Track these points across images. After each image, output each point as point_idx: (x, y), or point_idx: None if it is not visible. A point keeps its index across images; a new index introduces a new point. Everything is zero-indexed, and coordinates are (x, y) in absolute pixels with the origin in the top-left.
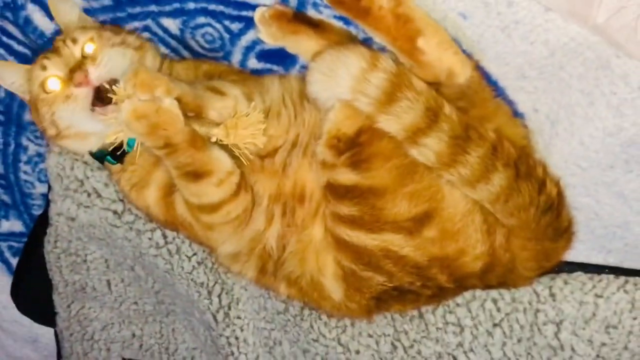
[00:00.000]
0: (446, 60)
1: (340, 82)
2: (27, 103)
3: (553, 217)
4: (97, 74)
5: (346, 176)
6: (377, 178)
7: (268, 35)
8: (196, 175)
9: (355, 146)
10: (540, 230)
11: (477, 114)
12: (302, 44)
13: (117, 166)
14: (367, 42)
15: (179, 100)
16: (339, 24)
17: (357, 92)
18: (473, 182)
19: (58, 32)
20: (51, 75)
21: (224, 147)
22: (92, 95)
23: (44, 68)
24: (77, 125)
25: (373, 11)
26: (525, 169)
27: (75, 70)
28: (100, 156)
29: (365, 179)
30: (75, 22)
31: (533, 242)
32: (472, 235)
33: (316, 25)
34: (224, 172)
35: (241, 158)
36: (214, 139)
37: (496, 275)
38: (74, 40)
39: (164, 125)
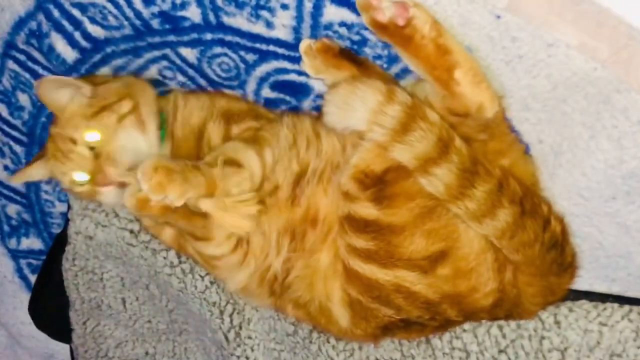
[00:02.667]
0: (479, 95)
1: (357, 114)
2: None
3: (557, 254)
4: (117, 173)
5: (368, 210)
6: (398, 216)
7: (311, 67)
8: (197, 238)
9: (381, 183)
10: (545, 267)
11: (495, 148)
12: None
13: None
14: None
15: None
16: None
17: (372, 123)
18: (479, 217)
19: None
20: (74, 177)
21: None
22: (119, 186)
23: (64, 174)
24: (113, 202)
25: (415, 39)
26: (530, 206)
27: (95, 174)
28: None
29: (386, 216)
30: (67, 109)
31: (538, 278)
32: (484, 274)
33: (360, 64)
34: (223, 238)
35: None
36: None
37: (504, 310)
38: (74, 141)
39: (157, 214)
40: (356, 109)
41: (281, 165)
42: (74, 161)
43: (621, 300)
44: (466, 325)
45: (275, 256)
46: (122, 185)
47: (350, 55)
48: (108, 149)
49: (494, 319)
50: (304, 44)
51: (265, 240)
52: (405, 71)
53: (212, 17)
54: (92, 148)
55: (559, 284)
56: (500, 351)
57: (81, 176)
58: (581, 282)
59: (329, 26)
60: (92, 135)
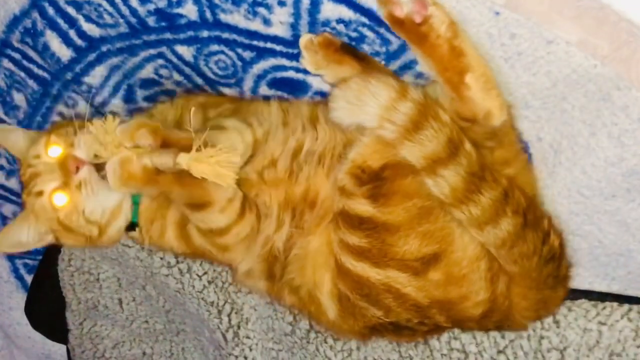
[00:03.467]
0: (488, 101)
1: (368, 110)
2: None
3: (554, 267)
4: (83, 153)
5: (363, 207)
6: (393, 214)
7: (311, 63)
8: (198, 206)
9: (378, 180)
10: (541, 280)
11: (501, 156)
12: (344, 75)
13: (139, 230)
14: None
15: (168, 142)
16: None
17: (384, 120)
18: (482, 224)
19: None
20: (53, 192)
21: None
22: (94, 169)
23: (40, 194)
24: (107, 202)
25: (430, 38)
26: (532, 218)
27: (64, 166)
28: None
29: (382, 214)
30: (24, 148)
31: (534, 290)
32: (476, 282)
33: (361, 59)
34: (224, 200)
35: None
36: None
37: (493, 321)
38: (38, 156)
39: (140, 180)
40: (368, 104)
41: (275, 140)
42: (42, 174)
43: (620, 299)
44: None
45: (276, 230)
46: (99, 169)
47: (352, 51)
48: (70, 143)
49: (482, 329)
50: (305, 39)
51: (267, 211)
52: (404, 68)
53: (208, 15)
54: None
55: (553, 298)
56: (499, 352)
57: (60, 198)
58: (581, 281)
59: (326, 23)
60: (54, 150)
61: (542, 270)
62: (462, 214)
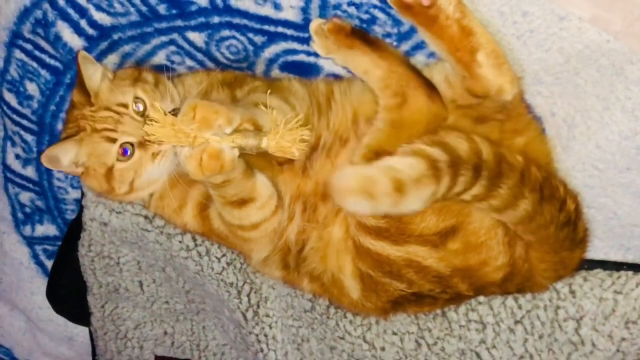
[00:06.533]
0: (500, 77)
1: None
2: (78, 176)
3: (570, 231)
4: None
5: None
6: None
7: (322, 47)
8: (242, 202)
9: None
10: (558, 244)
11: (511, 127)
12: (355, 59)
13: (156, 196)
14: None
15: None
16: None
17: None
18: (501, 210)
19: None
20: (125, 144)
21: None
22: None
23: (112, 140)
24: (160, 175)
25: (440, 20)
26: (548, 191)
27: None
28: None
29: None
30: (102, 87)
31: (551, 254)
32: (494, 248)
33: (372, 43)
34: (265, 197)
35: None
36: (262, 147)
37: (515, 284)
38: (125, 106)
39: (225, 171)
40: None
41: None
42: (124, 124)
43: (636, 268)
44: (481, 298)
45: (288, 222)
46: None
47: (362, 35)
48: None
49: (504, 293)
50: (315, 24)
51: (280, 201)
52: (416, 48)
53: (219, 0)
54: (142, 115)
55: (571, 259)
56: (517, 322)
57: (127, 150)
58: (596, 252)
59: (337, 6)
60: (139, 105)
61: (559, 236)
62: (482, 206)
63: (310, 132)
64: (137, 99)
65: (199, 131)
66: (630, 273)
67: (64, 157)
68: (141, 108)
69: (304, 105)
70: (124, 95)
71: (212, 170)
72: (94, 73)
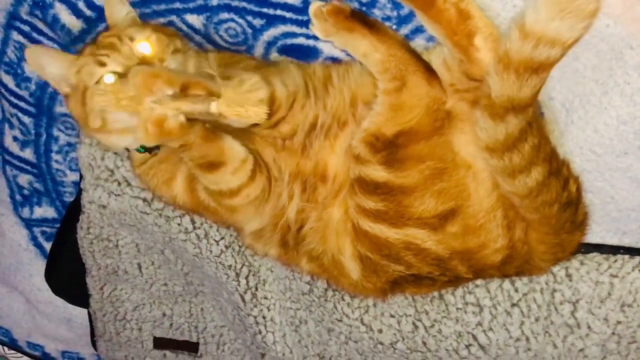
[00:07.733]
0: None
1: None
2: (61, 94)
3: (572, 212)
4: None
5: (378, 173)
6: (408, 178)
7: (321, 30)
8: (211, 166)
9: (392, 146)
10: (559, 225)
11: None
12: (355, 42)
13: (143, 162)
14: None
15: (187, 86)
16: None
17: None
18: (517, 172)
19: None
20: (110, 72)
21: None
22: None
23: (101, 64)
24: (129, 121)
25: (438, 3)
26: (556, 166)
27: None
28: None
29: (397, 178)
30: (123, 21)
31: (551, 235)
32: (493, 230)
33: (371, 26)
34: (237, 161)
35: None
36: (212, 111)
37: (514, 266)
38: (132, 39)
39: (175, 137)
40: None
41: (299, 109)
42: (121, 53)
43: (632, 252)
44: (478, 281)
45: (288, 200)
46: None
47: (362, 17)
48: (163, 58)
49: (503, 275)
50: (314, 7)
51: (279, 177)
52: (415, 32)
53: None
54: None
55: (570, 241)
56: (513, 305)
57: (110, 78)
58: (593, 236)
59: None
60: (144, 46)
61: (561, 217)
62: (502, 162)
63: (266, 91)
64: (148, 41)
65: (140, 96)
66: (626, 257)
67: (49, 66)
68: (146, 52)
69: (294, 87)
70: (137, 33)
71: (159, 138)
72: (120, 9)
